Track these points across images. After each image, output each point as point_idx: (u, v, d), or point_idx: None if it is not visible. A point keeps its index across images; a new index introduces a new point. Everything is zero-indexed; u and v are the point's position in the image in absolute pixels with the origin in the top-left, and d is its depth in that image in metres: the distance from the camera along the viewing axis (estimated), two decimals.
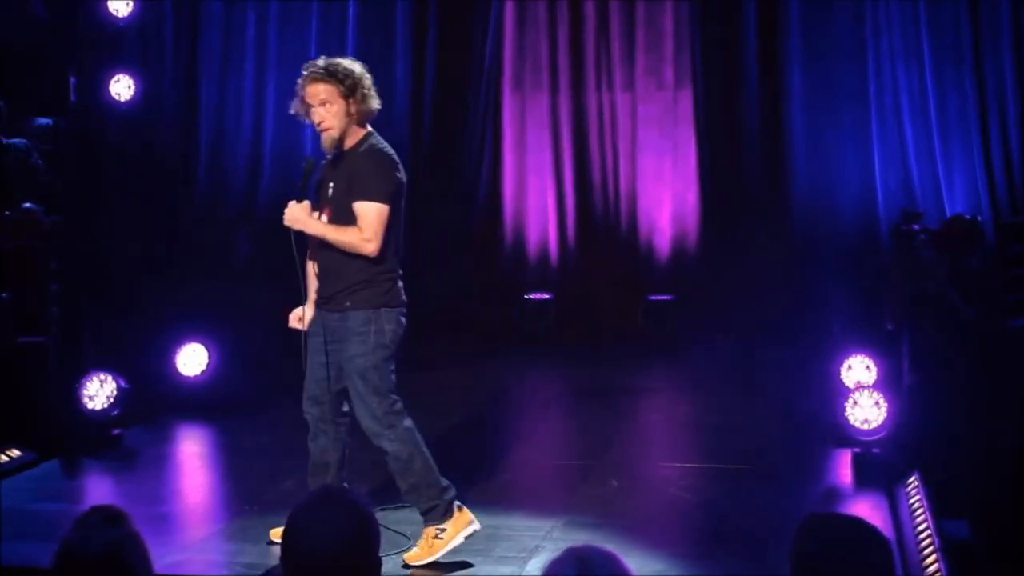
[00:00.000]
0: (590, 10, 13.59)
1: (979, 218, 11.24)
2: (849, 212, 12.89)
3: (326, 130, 7.01)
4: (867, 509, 7.76)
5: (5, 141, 11.21)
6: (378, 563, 3.53)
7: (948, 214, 11.99)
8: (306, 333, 7.14)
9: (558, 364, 12.66)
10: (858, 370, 9.93)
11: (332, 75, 6.95)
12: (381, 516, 3.50)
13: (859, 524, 3.57)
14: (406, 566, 6.89)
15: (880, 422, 8.73)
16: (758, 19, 13.15)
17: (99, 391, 9.60)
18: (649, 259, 13.53)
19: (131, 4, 10.62)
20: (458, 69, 13.69)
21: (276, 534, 6.96)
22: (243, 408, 10.42)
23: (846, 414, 8.81)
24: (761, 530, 7.54)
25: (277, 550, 7.01)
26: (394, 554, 6.72)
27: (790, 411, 10.18)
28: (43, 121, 11.88)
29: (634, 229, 13.57)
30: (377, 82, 13.67)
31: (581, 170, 13.71)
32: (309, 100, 6.98)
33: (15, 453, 9.03)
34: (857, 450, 8.75)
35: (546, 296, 13.57)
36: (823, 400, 9.53)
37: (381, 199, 6.93)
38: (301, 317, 7.19)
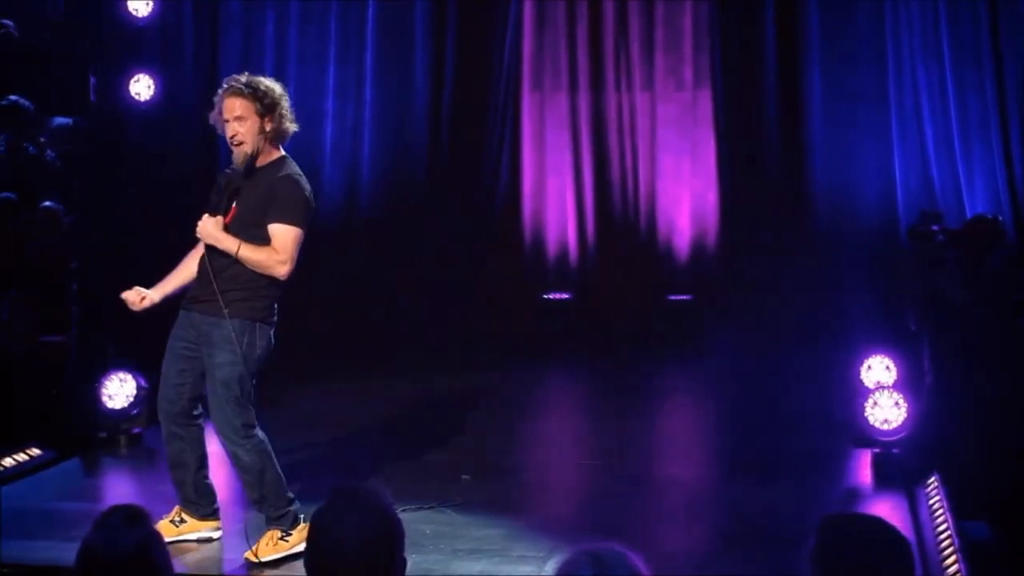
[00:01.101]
0: (609, 10, 13.57)
1: (1000, 218, 11.21)
2: (869, 212, 12.85)
3: (239, 144, 6.98)
4: (887, 510, 7.74)
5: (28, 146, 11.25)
6: (403, 563, 3.53)
7: (969, 214, 11.96)
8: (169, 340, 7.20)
9: (576, 364, 12.66)
10: (878, 370, 9.89)
11: (252, 91, 6.99)
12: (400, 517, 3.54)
13: (878, 524, 3.55)
14: (249, 562, 6.99)
15: (900, 423, 8.71)
16: (777, 19, 13.12)
17: (119, 390, 9.63)
18: (668, 259, 13.50)
19: (151, 4, 10.62)
20: (477, 69, 13.68)
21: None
22: (260, 408, 10.41)
23: (866, 414, 8.79)
24: (780, 531, 7.52)
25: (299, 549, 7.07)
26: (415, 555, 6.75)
27: (809, 411, 10.15)
28: (62, 121, 11.90)
29: (653, 229, 13.54)
30: (396, 81, 13.77)
31: (600, 170, 13.68)
32: (225, 114, 6.98)
33: (35, 452, 9.06)
34: (877, 451, 8.74)
35: (565, 296, 13.57)
36: (843, 400, 9.50)
37: (299, 224, 6.97)
38: (144, 297, 7.17)
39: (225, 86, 7.03)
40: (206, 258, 7.01)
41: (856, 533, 3.49)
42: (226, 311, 6.92)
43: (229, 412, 6.99)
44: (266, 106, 7.00)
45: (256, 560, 6.97)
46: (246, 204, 7.00)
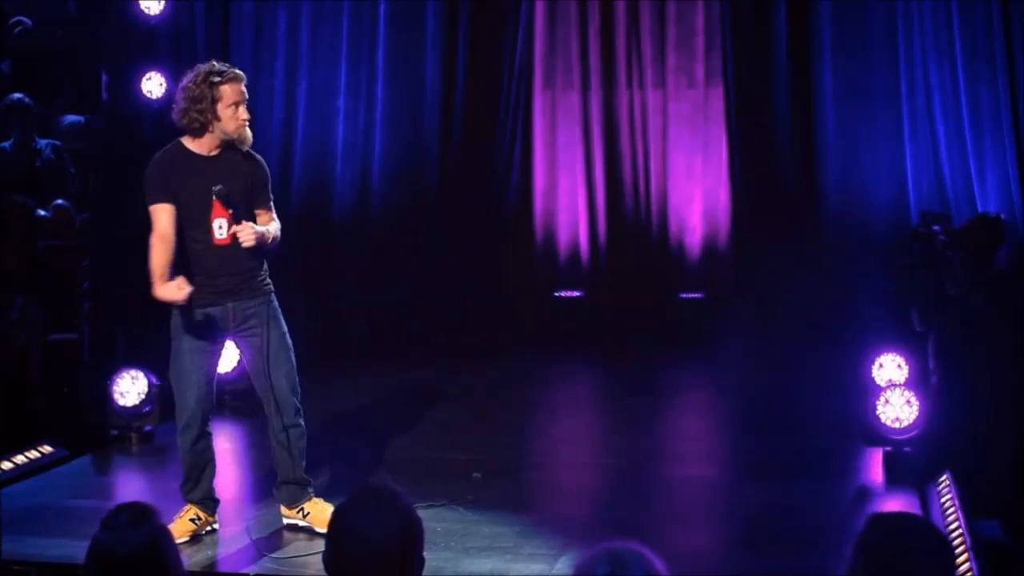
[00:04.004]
0: (621, 8, 13.55)
1: (1002, 217, 11.19)
2: (881, 210, 12.82)
3: (247, 125, 7.26)
4: (899, 508, 7.72)
5: (38, 143, 11.27)
6: (422, 561, 3.54)
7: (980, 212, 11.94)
8: (180, 335, 7.27)
9: (588, 362, 12.65)
10: (890, 369, 9.88)
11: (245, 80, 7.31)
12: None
13: (927, 526, 3.61)
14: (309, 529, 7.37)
15: (911, 421, 8.70)
16: (789, 17, 13.10)
17: (131, 388, 9.66)
18: (680, 257, 13.48)
19: (163, 2, 10.64)
20: (489, 67, 13.68)
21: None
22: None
23: (877, 413, 8.78)
24: (793, 530, 7.54)
25: (307, 546, 7.09)
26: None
27: (821, 409, 10.14)
28: (75, 119, 11.93)
29: (665, 227, 13.53)
30: (408, 80, 13.79)
31: (612, 168, 13.67)
32: (238, 97, 7.17)
33: (47, 449, 9.08)
34: (888, 449, 8.73)
35: (576, 294, 13.57)
36: (854, 399, 9.49)
37: None
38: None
39: (232, 74, 7.18)
40: (231, 251, 7.16)
41: (906, 534, 3.52)
42: (267, 287, 7.31)
43: (293, 378, 7.39)
44: None
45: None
46: (237, 189, 7.22)
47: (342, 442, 9.48)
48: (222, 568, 7.04)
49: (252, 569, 7.00)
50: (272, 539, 7.43)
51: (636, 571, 3.12)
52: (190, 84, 7.16)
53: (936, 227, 11.06)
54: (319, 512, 7.43)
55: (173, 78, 10.92)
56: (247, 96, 7.18)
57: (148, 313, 9.86)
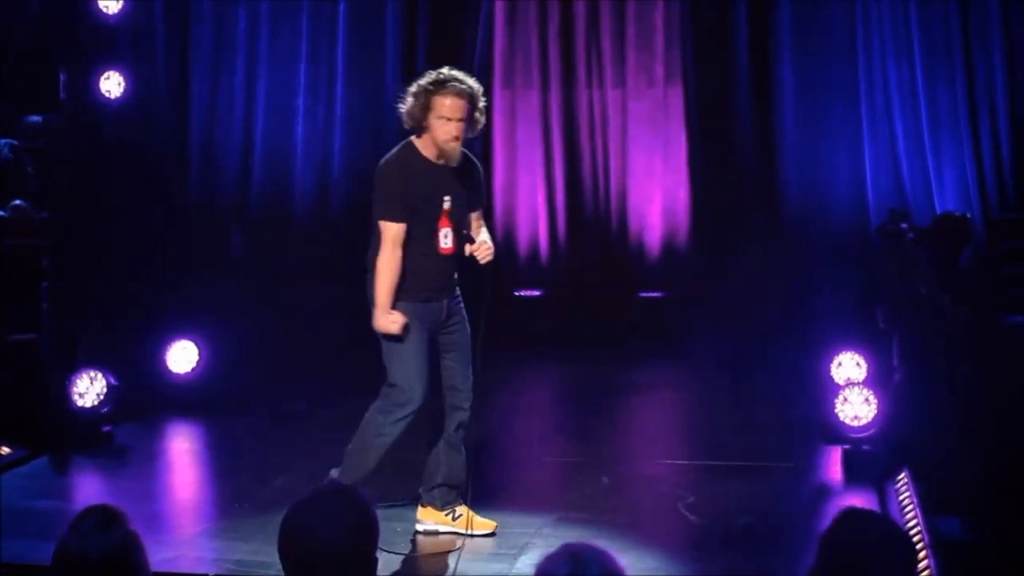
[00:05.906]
0: (580, 7, 13.58)
1: (968, 215, 11.25)
2: (840, 208, 12.90)
3: (457, 143, 7.11)
4: (859, 506, 7.75)
5: None
6: (375, 561, 3.55)
7: (938, 211, 12.00)
8: (405, 331, 7.26)
9: (548, 361, 12.65)
10: (848, 367, 9.93)
11: (474, 97, 7.17)
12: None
13: (894, 526, 3.67)
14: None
15: (870, 419, 8.74)
16: (749, 16, 13.15)
17: (89, 388, 9.59)
18: (640, 256, 13.51)
19: (121, 1, 10.60)
20: (448, 66, 13.65)
21: None
22: (233, 406, 10.41)
23: (836, 411, 8.82)
24: (753, 527, 7.56)
25: (268, 546, 7.06)
26: (386, 551, 6.74)
27: (781, 408, 10.18)
28: (33, 119, 11.87)
29: (625, 226, 13.56)
30: (367, 79, 13.75)
31: (572, 167, 13.69)
32: (449, 113, 7.05)
33: (5, 450, 9.04)
34: (847, 447, 8.77)
35: (536, 293, 13.57)
36: (813, 397, 9.53)
37: None
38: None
39: (455, 86, 7.17)
40: (451, 258, 7.35)
41: (872, 530, 3.57)
42: (458, 288, 7.46)
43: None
44: (476, 107, 7.26)
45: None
46: (457, 199, 7.24)
47: (302, 443, 9.46)
48: (182, 569, 7.00)
49: (212, 569, 6.97)
50: (233, 543, 7.41)
51: (596, 570, 3.14)
52: (415, 84, 7.18)
53: (904, 224, 11.10)
54: (468, 515, 7.37)
55: (132, 77, 10.89)
56: (466, 115, 7.08)
57: (107, 313, 9.87)
